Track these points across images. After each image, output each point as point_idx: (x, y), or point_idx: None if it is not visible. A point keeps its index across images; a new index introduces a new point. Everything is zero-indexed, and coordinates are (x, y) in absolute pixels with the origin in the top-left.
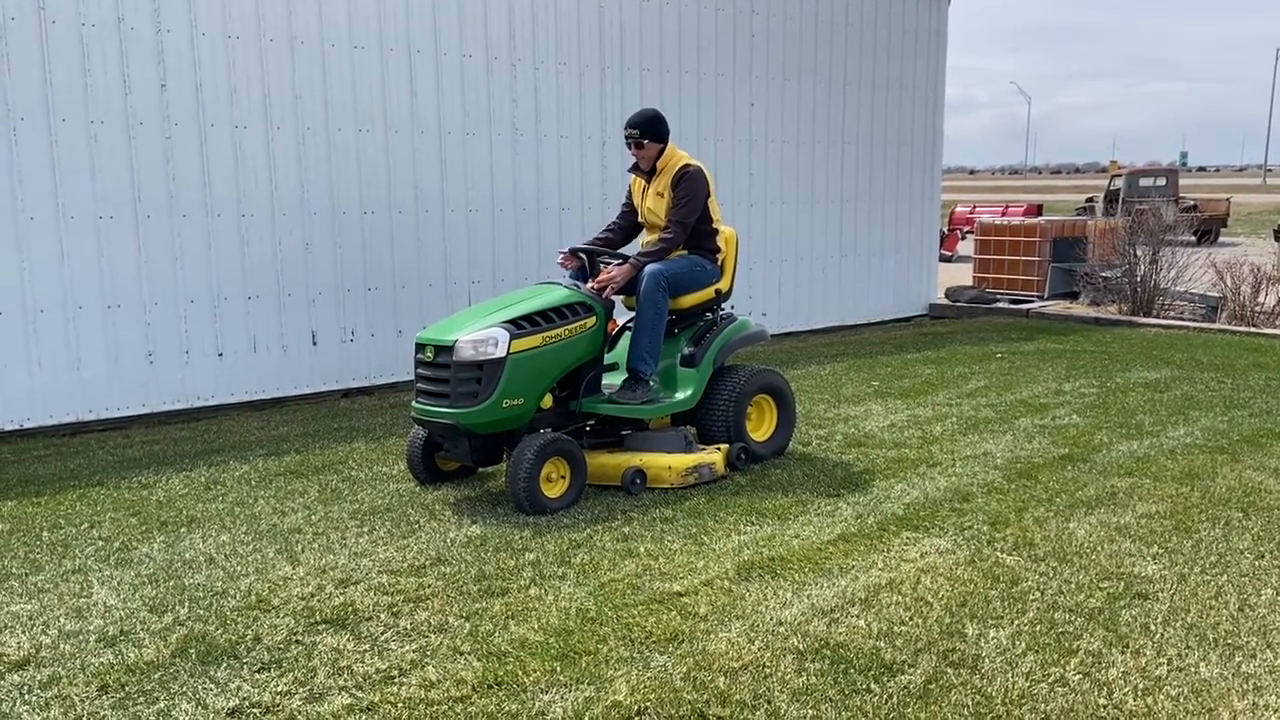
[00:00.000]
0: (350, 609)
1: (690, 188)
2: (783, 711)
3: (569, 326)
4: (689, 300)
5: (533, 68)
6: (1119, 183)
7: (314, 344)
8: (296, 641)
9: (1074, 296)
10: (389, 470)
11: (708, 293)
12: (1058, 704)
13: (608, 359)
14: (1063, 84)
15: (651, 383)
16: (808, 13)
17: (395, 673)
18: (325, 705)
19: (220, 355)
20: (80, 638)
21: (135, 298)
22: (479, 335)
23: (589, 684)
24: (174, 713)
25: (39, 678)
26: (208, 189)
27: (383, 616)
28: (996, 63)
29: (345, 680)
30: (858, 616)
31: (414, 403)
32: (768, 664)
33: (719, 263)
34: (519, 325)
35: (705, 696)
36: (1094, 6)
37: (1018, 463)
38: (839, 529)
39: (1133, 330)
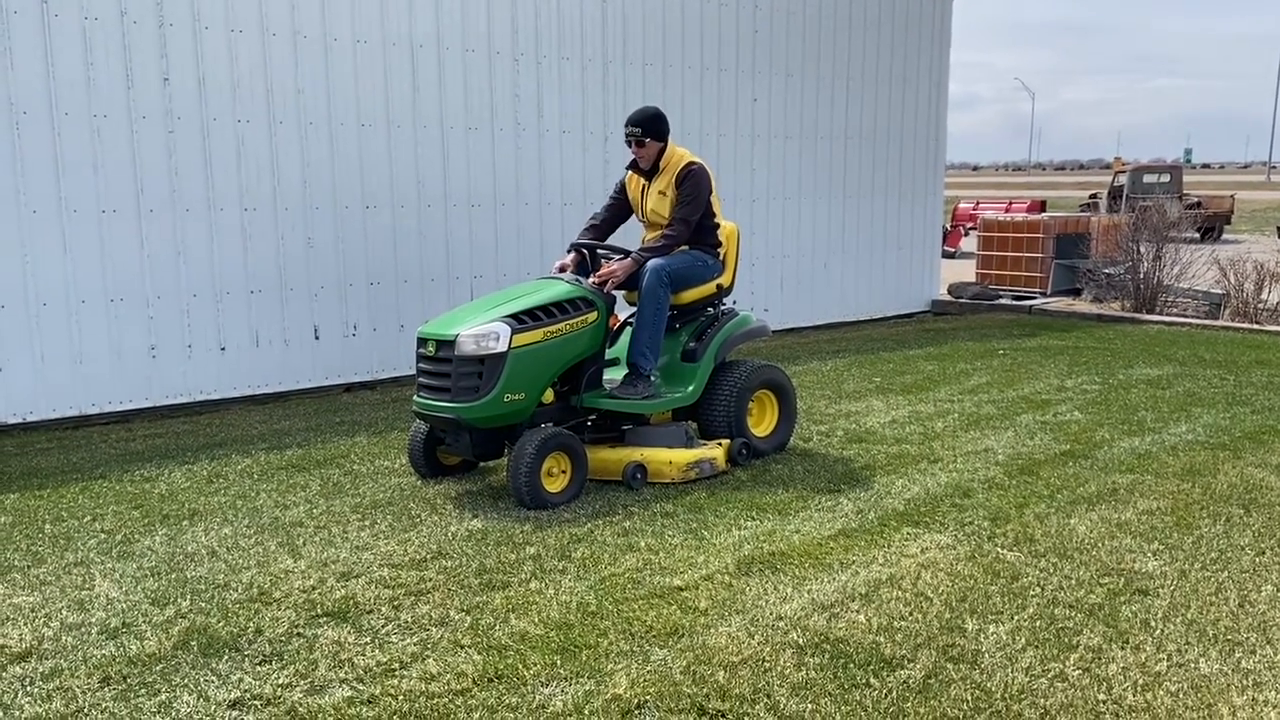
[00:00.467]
0: (351, 602)
1: (694, 185)
2: (782, 706)
3: (570, 321)
4: (690, 295)
5: (535, 62)
6: (1123, 179)
7: (316, 338)
8: (298, 634)
9: (1077, 293)
10: (390, 464)
11: (709, 288)
12: (1057, 699)
13: (609, 354)
14: (1067, 80)
15: (652, 378)
16: (811, 7)
17: (396, 665)
18: (326, 698)
19: (223, 349)
20: (82, 630)
21: (138, 292)
22: (481, 330)
23: (589, 677)
24: (175, 705)
25: (41, 669)
26: (210, 183)
27: (384, 610)
28: (1000, 58)
29: (346, 673)
30: (858, 611)
31: (415, 397)
32: (767, 658)
33: (720, 258)
34: (520, 320)
35: (705, 690)
36: (1099, 2)
37: (1019, 459)
38: (839, 524)
39: (1135, 327)
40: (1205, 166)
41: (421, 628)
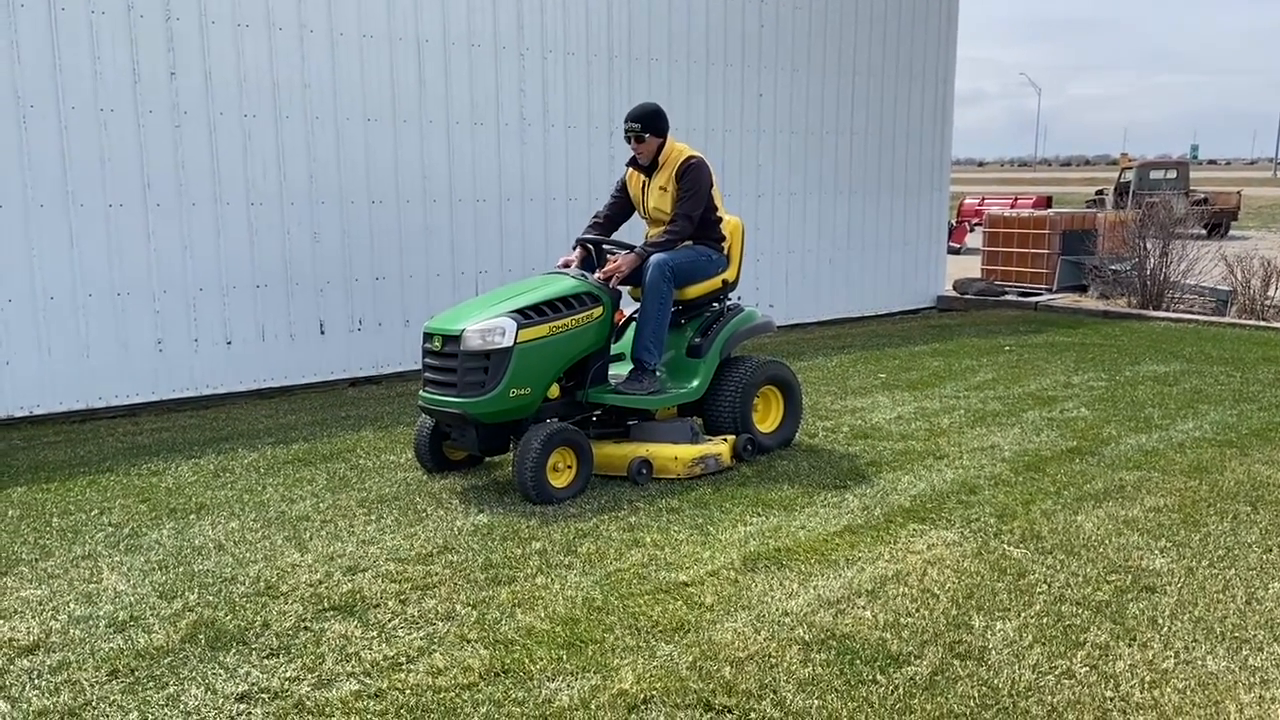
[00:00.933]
0: (358, 596)
1: (694, 180)
2: (788, 701)
3: (576, 316)
4: (695, 290)
5: (541, 57)
6: (1129, 175)
7: (322, 333)
8: (305, 628)
9: (1083, 289)
10: (396, 459)
11: (714, 283)
12: (1064, 696)
13: (614, 349)
14: (1073, 76)
15: (657, 373)
16: (817, 2)
17: (403, 660)
18: (333, 691)
19: (229, 344)
20: (90, 623)
21: (144, 286)
22: (486, 325)
23: (595, 672)
24: (183, 698)
25: (49, 662)
26: (216, 178)
27: (390, 604)
28: (1006, 54)
29: (353, 667)
30: (864, 608)
31: (421, 392)
32: (773, 654)
33: (724, 252)
34: (526, 315)
35: (711, 686)
36: None
37: (1025, 455)
38: (845, 520)
39: (1142, 323)
40: (1212, 162)
41: (428, 622)
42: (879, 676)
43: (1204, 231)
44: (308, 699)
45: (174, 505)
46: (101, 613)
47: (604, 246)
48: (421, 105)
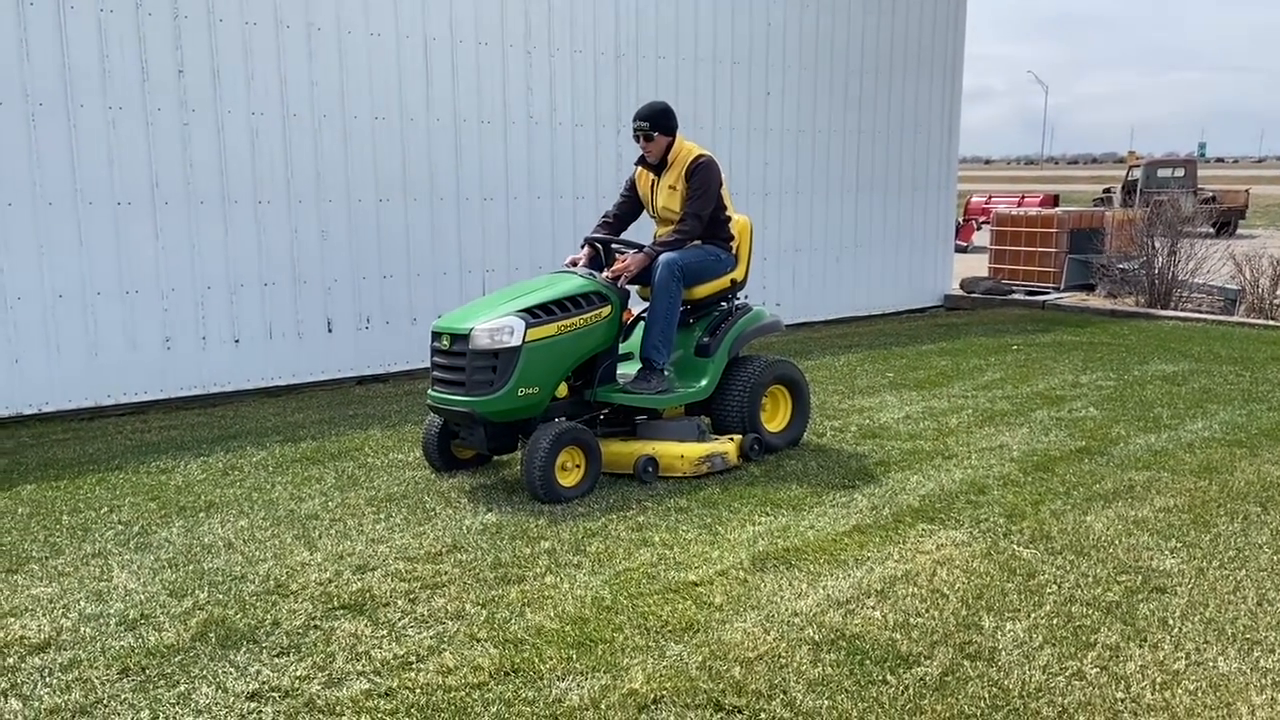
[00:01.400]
0: (368, 595)
1: (704, 179)
2: (798, 702)
3: (584, 315)
4: (704, 290)
5: (548, 55)
6: (1137, 173)
7: (329, 331)
8: (315, 626)
9: (1091, 288)
10: (404, 457)
11: (723, 282)
12: (1075, 697)
13: (623, 348)
14: (1080, 73)
15: (665, 372)
16: (825, 1)
17: (413, 659)
18: (344, 690)
19: (237, 342)
20: (100, 621)
21: (153, 284)
22: (495, 324)
23: (605, 672)
24: (194, 696)
25: (60, 660)
26: (224, 176)
27: (400, 603)
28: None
29: (363, 665)
30: (873, 608)
31: (430, 391)
32: (783, 654)
33: (733, 251)
34: (534, 314)
35: (721, 686)
36: None
37: (1034, 455)
38: (854, 520)
39: (1150, 322)
40: (1219, 160)
41: (438, 621)
42: (889, 677)
43: (1212, 230)
44: (318, 698)
45: (183, 503)
46: (112, 611)
47: (612, 245)
48: (429, 103)
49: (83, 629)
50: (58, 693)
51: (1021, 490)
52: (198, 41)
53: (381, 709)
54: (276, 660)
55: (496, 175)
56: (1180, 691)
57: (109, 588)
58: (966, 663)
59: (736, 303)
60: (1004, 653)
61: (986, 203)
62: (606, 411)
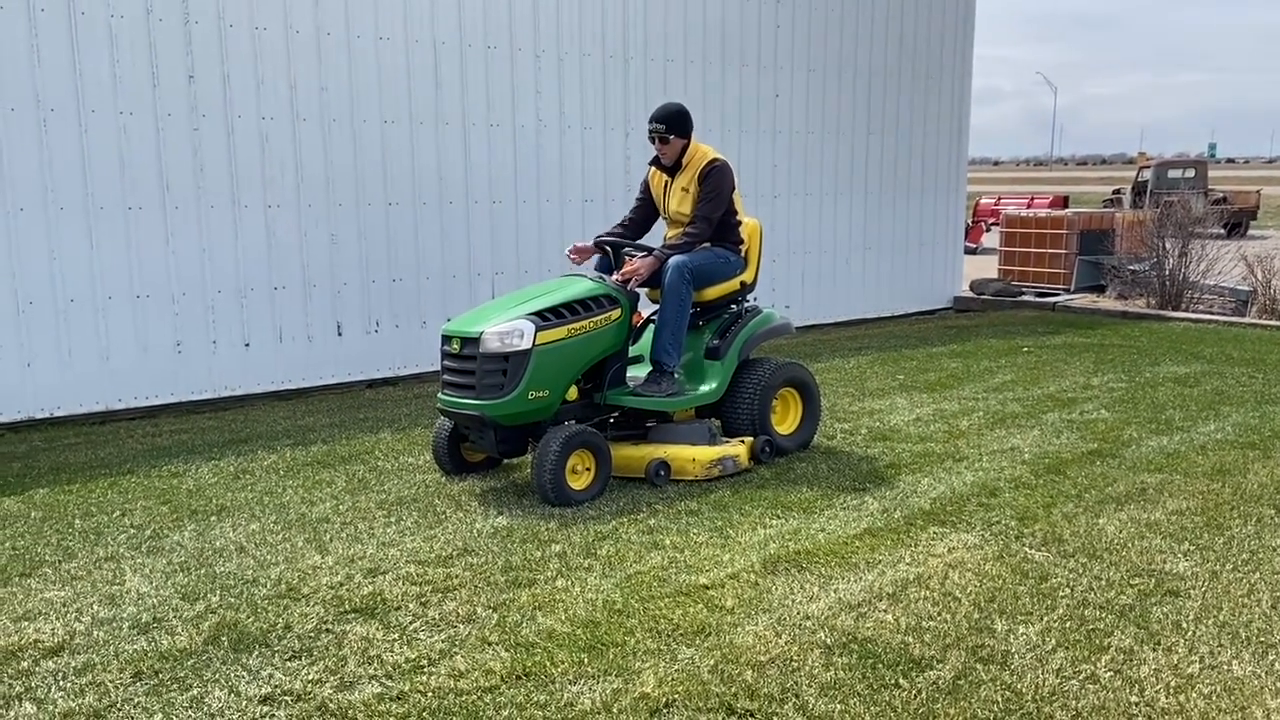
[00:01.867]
0: (379, 598)
1: (717, 183)
2: (811, 706)
3: (594, 319)
4: (713, 292)
5: (556, 59)
6: (1147, 174)
7: (339, 334)
8: (326, 630)
9: (1101, 290)
10: (415, 461)
11: (732, 285)
12: (1089, 701)
13: (633, 351)
14: (1089, 74)
15: (676, 375)
16: (833, 2)
17: (424, 662)
18: (356, 694)
19: (247, 345)
20: (114, 625)
21: (164, 288)
22: (505, 327)
23: (617, 676)
24: (207, 700)
25: (73, 664)
26: (235, 180)
27: (411, 606)
28: (1022, 52)
29: (375, 669)
30: (885, 611)
31: (440, 394)
32: (795, 658)
33: (743, 254)
34: (544, 317)
35: (733, 689)
36: None
37: (1046, 458)
38: (865, 523)
39: (1161, 324)
40: (1230, 161)
41: (449, 624)
42: (901, 681)
43: (1223, 231)
44: (330, 701)
45: (195, 507)
46: (125, 614)
47: (622, 248)
48: (438, 107)
49: (96, 632)
50: (71, 696)
51: (1033, 493)
52: (208, 46)
53: (393, 713)
54: (288, 664)
55: (505, 178)
56: (1194, 695)
57: (122, 591)
58: (979, 666)
59: (746, 305)
60: (1017, 656)
61: (996, 204)
62: (617, 415)
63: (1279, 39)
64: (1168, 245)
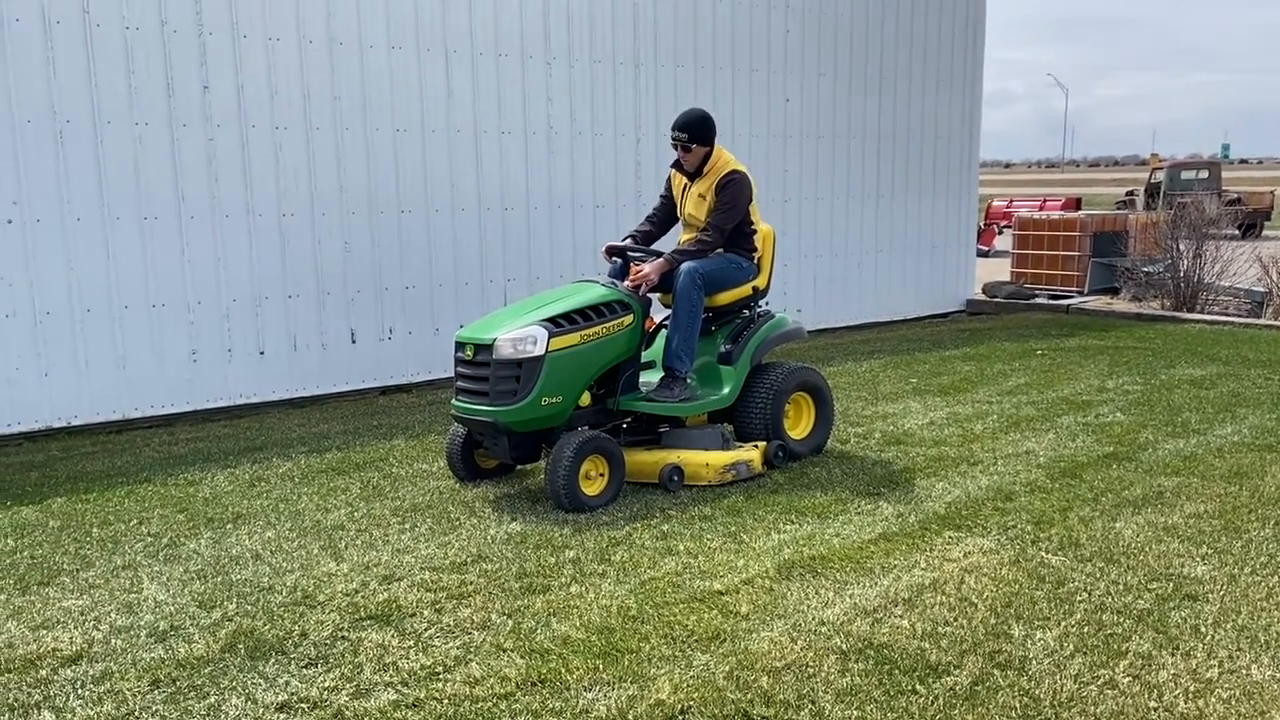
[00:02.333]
0: (394, 605)
1: (734, 195)
2: (827, 712)
3: (606, 324)
4: (725, 297)
5: (567, 65)
6: (1160, 176)
7: (353, 342)
8: (342, 637)
9: (1115, 292)
10: (429, 467)
11: (744, 290)
12: (1107, 706)
13: (645, 356)
14: (1101, 75)
15: (688, 380)
16: (843, 6)
17: (440, 669)
18: (372, 701)
19: (262, 354)
20: (131, 633)
21: (179, 297)
22: (518, 333)
23: (632, 682)
24: (224, 707)
25: (91, 672)
26: (249, 189)
27: (426, 613)
28: (1033, 54)
29: (391, 676)
30: (901, 616)
31: (453, 401)
32: (811, 664)
33: (755, 261)
34: (557, 323)
35: (749, 696)
36: None
37: (1061, 461)
38: (880, 528)
39: (1176, 326)
40: (1243, 162)
41: (464, 631)
42: (918, 687)
43: (1237, 232)
44: (346, 708)
45: (211, 515)
46: (142, 622)
47: (629, 253)
48: (449, 115)
49: (114, 641)
50: (90, 705)
51: (1049, 497)
52: (222, 58)
53: None
54: (305, 671)
55: (517, 185)
56: (1214, 700)
57: (139, 599)
58: (997, 672)
59: (758, 310)
60: (1035, 662)
61: (1008, 207)
62: (630, 420)
63: None
64: (1182, 247)
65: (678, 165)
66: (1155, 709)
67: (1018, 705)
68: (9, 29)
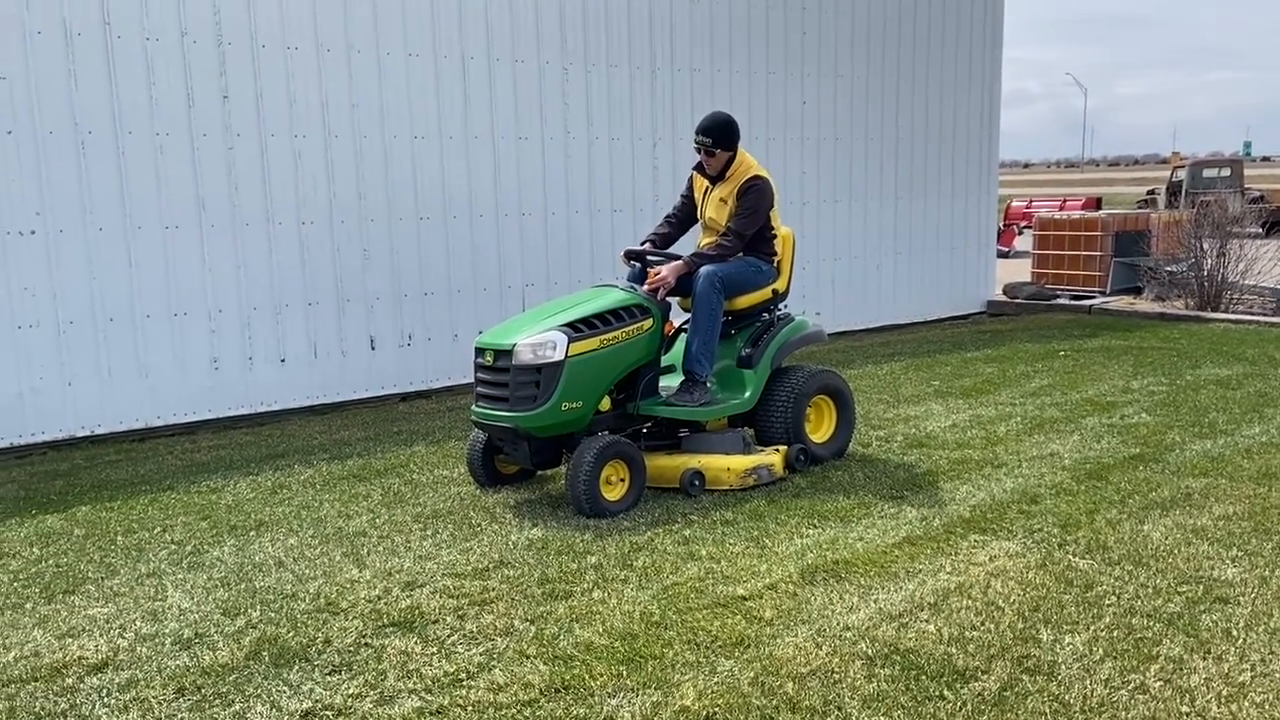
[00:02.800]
0: (417, 612)
1: (754, 201)
2: (854, 718)
3: (626, 329)
4: (745, 301)
5: (584, 70)
6: (1181, 174)
7: (372, 349)
8: (366, 644)
9: (1137, 292)
10: (449, 473)
11: (764, 293)
12: (1138, 711)
13: (665, 361)
14: (1120, 74)
15: (708, 384)
16: (859, 8)
17: (463, 676)
18: (396, 708)
19: (282, 361)
20: (156, 640)
21: (200, 306)
22: (538, 339)
23: (656, 688)
24: (249, 715)
25: (117, 680)
26: (269, 198)
27: (449, 619)
28: (1051, 53)
29: (414, 683)
30: (927, 621)
31: (473, 406)
32: (836, 669)
33: (775, 264)
34: (577, 328)
35: (774, 702)
36: None
37: (1087, 463)
38: (904, 531)
39: (1201, 326)
40: (1266, 159)
41: (487, 638)
42: (946, 692)
43: (1261, 230)
44: (370, 716)
45: (234, 522)
46: (167, 630)
47: (647, 257)
48: (467, 121)
49: (139, 649)
50: (116, 713)
51: (1075, 499)
52: (241, 67)
53: None
54: (329, 678)
55: (534, 191)
56: (1246, 704)
57: (164, 607)
58: (1025, 677)
59: (779, 313)
60: (1064, 666)
61: (1027, 207)
62: (650, 425)
63: None
64: (1205, 245)
65: (700, 168)
66: (1187, 714)
67: (1047, 711)
68: (31, 41)
